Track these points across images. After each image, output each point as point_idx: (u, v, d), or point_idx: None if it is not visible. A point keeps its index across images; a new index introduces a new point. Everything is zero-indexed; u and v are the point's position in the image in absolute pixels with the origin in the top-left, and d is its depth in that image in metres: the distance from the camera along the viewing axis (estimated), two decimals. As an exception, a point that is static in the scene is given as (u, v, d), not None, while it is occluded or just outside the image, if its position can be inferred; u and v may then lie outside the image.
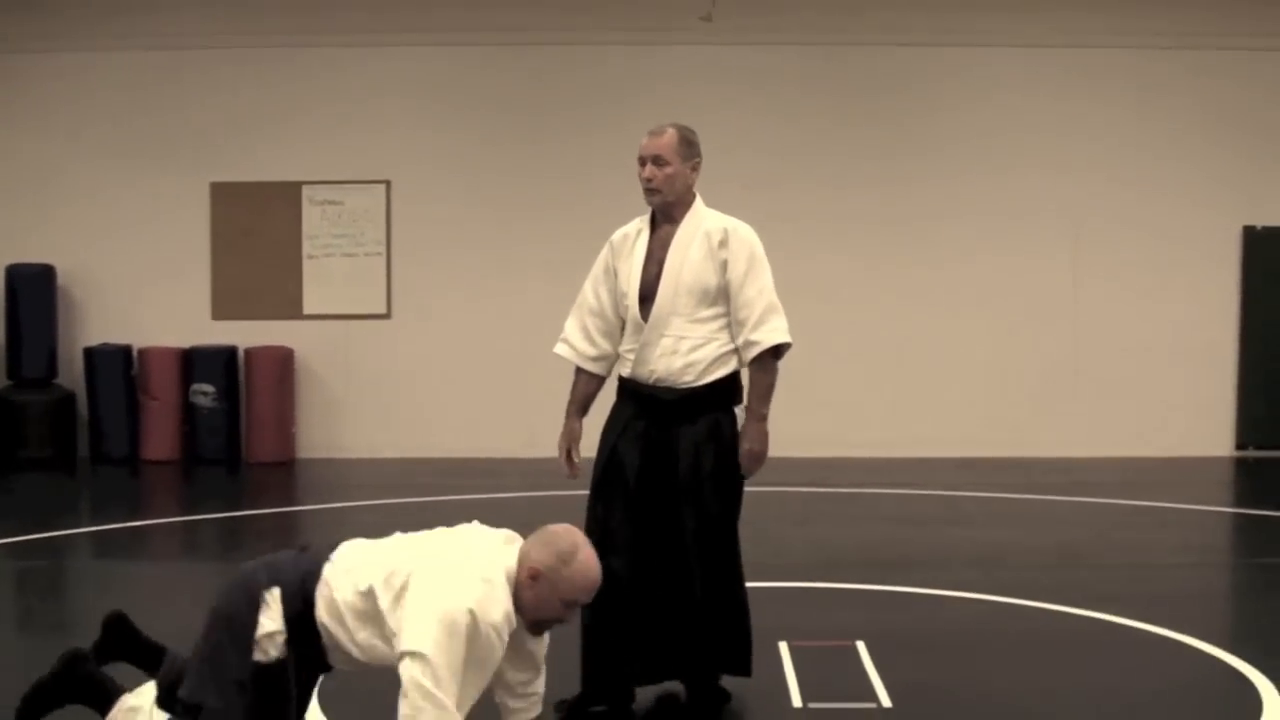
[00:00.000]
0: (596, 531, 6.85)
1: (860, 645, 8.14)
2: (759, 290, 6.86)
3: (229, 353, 16.11)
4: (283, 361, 16.13)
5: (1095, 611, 9.10)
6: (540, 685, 5.77)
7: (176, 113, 16.47)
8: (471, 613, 5.21)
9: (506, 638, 5.36)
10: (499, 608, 5.32)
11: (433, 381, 16.28)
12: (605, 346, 7.22)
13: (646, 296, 6.95)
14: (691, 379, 6.87)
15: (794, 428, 16.08)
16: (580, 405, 7.42)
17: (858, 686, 7.41)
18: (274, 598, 5.56)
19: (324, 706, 7.05)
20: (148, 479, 15.43)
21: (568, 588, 5.44)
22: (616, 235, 7.30)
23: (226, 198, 16.43)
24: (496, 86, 16.33)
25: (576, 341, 7.32)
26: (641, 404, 7.01)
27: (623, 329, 7.12)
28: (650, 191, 6.99)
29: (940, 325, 16.44)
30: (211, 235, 16.42)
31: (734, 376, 6.96)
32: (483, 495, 13.83)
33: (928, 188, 16.41)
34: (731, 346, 6.90)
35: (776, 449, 15.67)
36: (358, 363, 16.39)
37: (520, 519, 12.84)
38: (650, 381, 6.95)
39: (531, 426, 16.15)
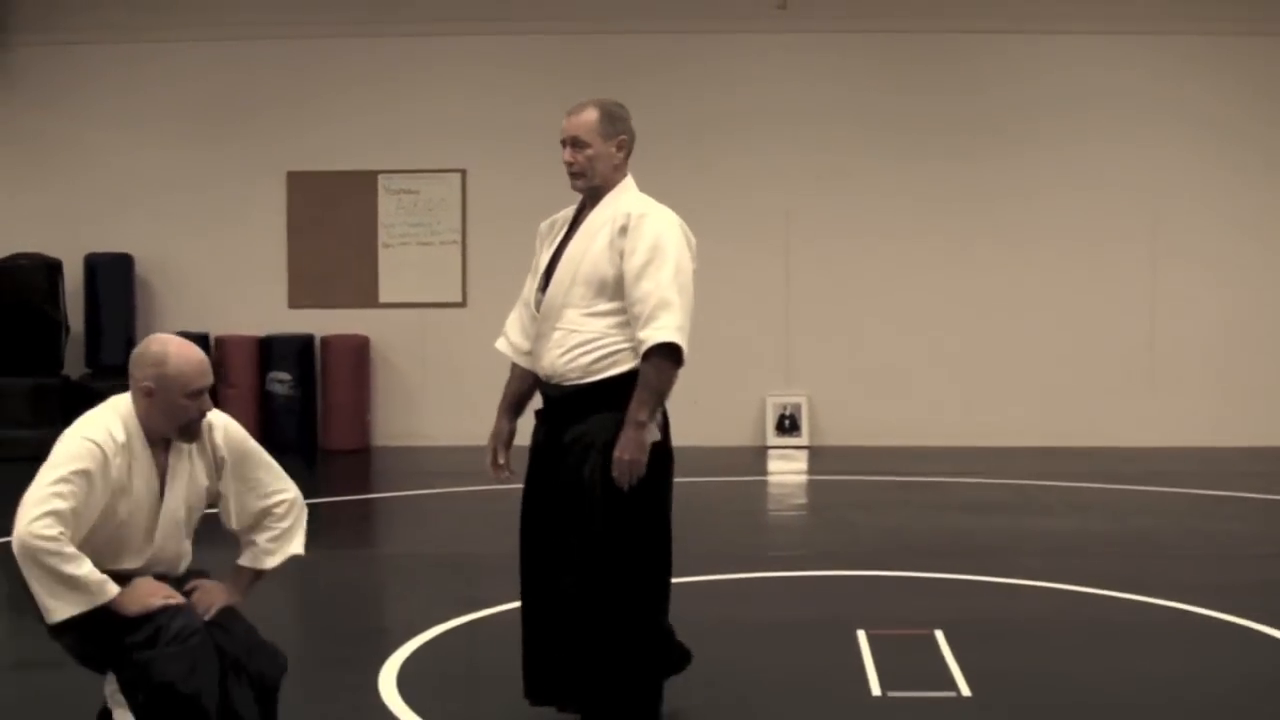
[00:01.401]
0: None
1: (939, 634, 8.09)
2: (655, 284, 6.06)
3: (305, 341, 16.18)
4: (358, 349, 16.19)
5: (1173, 601, 9.03)
6: (289, 518, 6.07)
7: (254, 102, 16.54)
8: (84, 439, 5.46)
9: (123, 458, 5.50)
10: (101, 428, 5.51)
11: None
12: (531, 343, 6.60)
13: (547, 286, 6.40)
14: (578, 376, 6.23)
15: (869, 417, 16.10)
16: (510, 403, 6.83)
17: (937, 675, 7.37)
18: None
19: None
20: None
21: (179, 384, 5.54)
22: (544, 223, 6.76)
23: (303, 187, 16.49)
24: (571, 75, 16.30)
25: (513, 335, 6.73)
26: (544, 404, 6.53)
27: None
28: (573, 176, 6.45)
29: (1016, 313, 16.35)
30: (288, 224, 16.49)
31: (630, 376, 6.16)
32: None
33: (1005, 176, 16.31)
34: (631, 344, 6.16)
35: (853, 438, 15.84)
36: (433, 351, 16.43)
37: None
38: (544, 378, 6.44)
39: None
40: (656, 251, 6.11)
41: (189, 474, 5.81)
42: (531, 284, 6.55)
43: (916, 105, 16.27)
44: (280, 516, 6.04)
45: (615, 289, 6.13)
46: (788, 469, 15.08)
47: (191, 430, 5.69)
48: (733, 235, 16.07)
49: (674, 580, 9.64)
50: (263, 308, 16.43)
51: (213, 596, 5.85)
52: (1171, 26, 16.23)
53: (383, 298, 16.41)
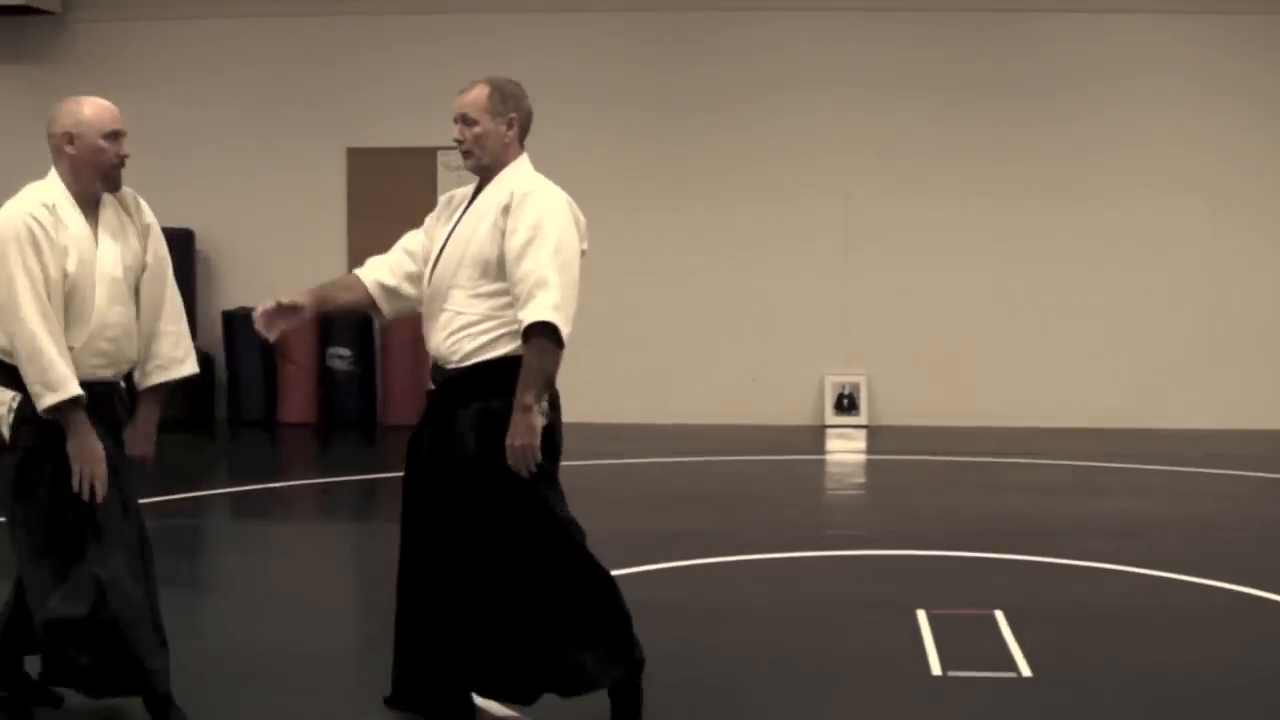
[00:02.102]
0: None
1: (999, 614, 8.06)
2: (535, 264, 5.88)
3: (365, 317, 16.19)
4: (417, 325, 16.13)
5: (1234, 585, 8.98)
6: (182, 347, 6.46)
7: (313, 79, 16.59)
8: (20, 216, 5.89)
9: (54, 218, 5.94)
10: (33, 198, 5.97)
11: (568, 347, 16.24)
12: (394, 282, 6.42)
13: (437, 267, 6.24)
14: (459, 360, 6.04)
15: (928, 396, 16.07)
16: (324, 292, 6.57)
17: (997, 655, 7.35)
18: None
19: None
20: (284, 441, 15.61)
21: (96, 126, 6.06)
22: (443, 197, 6.53)
23: (362, 163, 16.54)
24: (623, 51, 16.31)
25: (373, 263, 6.52)
26: (433, 387, 6.34)
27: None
28: (463, 154, 6.22)
29: (1076, 293, 16.26)
30: (347, 200, 16.55)
31: (511, 360, 5.96)
32: (614, 460, 13.86)
33: (1064, 157, 16.21)
34: (513, 327, 5.96)
35: (912, 418, 15.80)
36: (494, 329, 16.43)
37: (651, 484, 12.97)
38: (432, 360, 6.25)
39: (663, 392, 16.21)
40: (537, 230, 5.96)
41: (121, 233, 6.20)
42: (414, 240, 6.46)
43: (974, 85, 16.17)
44: (176, 342, 6.44)
45: (499, 270, 5.99)
46: (846, 448, 15.06)
47: (113, 177, 6.14)
48: (791, 215, 16.06)
49: (733, 559, 9.71)
50: (322, 283, 16.43)
51: (145, 450, 6.40)
52: (1231, 7, 16.10)
53: (442, 274, 16.42)
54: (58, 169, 6.12)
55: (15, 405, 6.15)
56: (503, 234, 5.98)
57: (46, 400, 5.87)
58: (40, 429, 6.06)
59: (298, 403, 16.22)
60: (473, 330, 6.02)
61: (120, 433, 6.38)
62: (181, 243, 16.24)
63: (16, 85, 16.56)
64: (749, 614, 8.48)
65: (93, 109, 6.13)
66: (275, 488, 13.05)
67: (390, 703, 6.38)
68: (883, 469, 14.08)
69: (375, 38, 16.47)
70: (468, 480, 6.00)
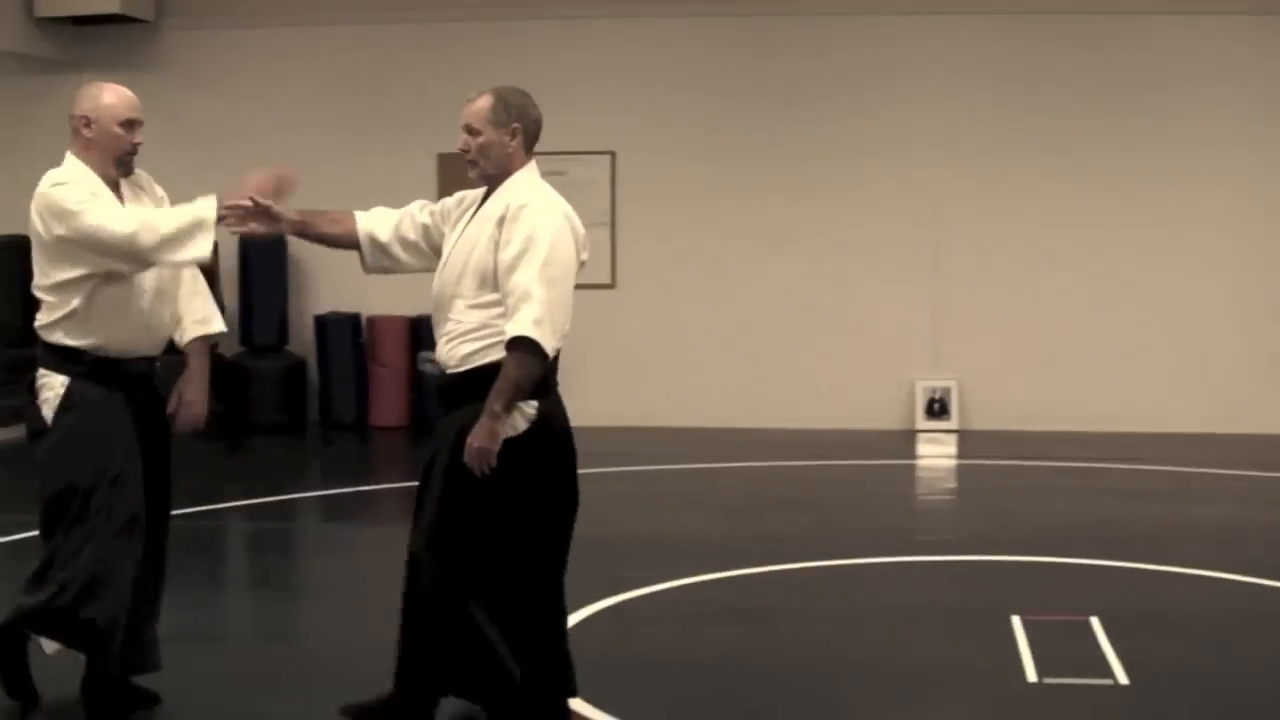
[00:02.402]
0: None
1: (1094, 621, 7.98)
2: (524, 277, 5.89)
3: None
4: (506, 331, 16.21)
5: (1337, 592, 8.89)
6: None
7: (405, 85, 16.64)
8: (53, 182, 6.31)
9: (97, 191, 6.32)
10: (63, 176, 6.35)
11: (657, 351, 16.29)
12: (386, 239, 6.59)
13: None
14: (455, 365, 6.14)
15: (1020, 401, 15.93)
16: (311, 215, 6.76)
17: (1093, 662, 7.27)
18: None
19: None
20: (376, 444, 15.66)
21: (113, 112, 6.41)
22: (455, 196, 6.57)
23: (453, 169, 16.45)
24: (721, 60, 16.27)
25: (376, 215, 6.69)
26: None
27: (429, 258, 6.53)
28: (469, 164, 6.28)
29: (1173, 296, 16.05)
30: (438, 205, 16.57)
31: (498, 366, 5.96)
32: (706, 464, 13.84)
33: (1162, 161, 15.98)
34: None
35: (1004, 422, 15.66)
36: (582, 332, 16.22)
37: (742, 489, 12.94)
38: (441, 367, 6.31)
39: (753, 397, 16.16)
40: (529, 243, 5.96)
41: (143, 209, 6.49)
42: (424, 213, 6.59)
43: (1069, 88, 16.00)
44: (205, 302, 6.80)
45: (496, 281, 6.03)
46: (937, 453, 14.96)
47: (126, 163, 6.47)
48: (881, 217, 15.98)
49: (825, 564, 9.67)
50: (414, 288, 16.38)
51: (200, 403, 6.75)
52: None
53: (533, 279, 16.42)
54: (73, 150, 6.46)
55: (63, 390, 6.41)
56: (497, 245, 6.02)
57: (207, 232, 6.30)
58: (82, 416, 6.35)
59: (389, 406, 16.27)
60: (468, 337, 6.10)
61: (161, 409, 6.66)
62: (274, 248, 16.34)
63: (111, 92, 16.70)
64: (841, 620, 8.44)
65: (112, 95, 6.46)
66: (367, 491, 13.09)
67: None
68: (974, 474, 13.97)
69: (465, 43, 16.48)
70: (438, 485, 6.09)
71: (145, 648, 6.52)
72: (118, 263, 6.28)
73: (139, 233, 6.17)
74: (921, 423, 15.98)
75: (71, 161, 6.45)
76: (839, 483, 13.22)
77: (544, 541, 6.22)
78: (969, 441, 15.34)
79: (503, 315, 5.96)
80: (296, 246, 16.50)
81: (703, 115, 16.25)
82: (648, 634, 8.19)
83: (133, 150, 6.48)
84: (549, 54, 16.35)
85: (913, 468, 14.35)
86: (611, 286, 16.36)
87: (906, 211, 15.98)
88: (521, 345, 5.87)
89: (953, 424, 15.92)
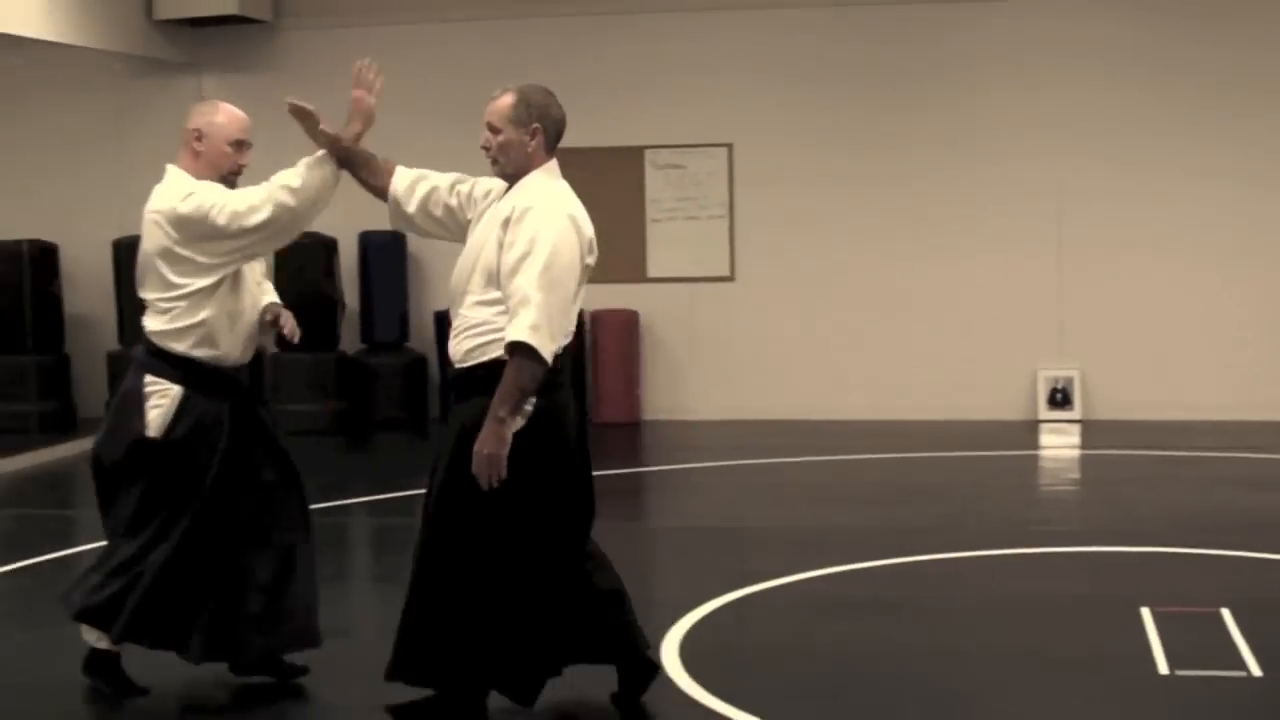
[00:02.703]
0: None
1: (1225, 612, 7.89)
2: (524, 281, 5.91)
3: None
4: (628, 324, 16.26)
5: None
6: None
7: (519, 80, 16.56)
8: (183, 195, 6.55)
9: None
10: (186, 186, 6.58)
11: (776, 343, 16.25)
12: (412, 209, 6.67)
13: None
14: (459, 360, 6.23)
15: (1144, 390, 15.77)
16: (364, 156, 6.93)
17: (1226, 654, 7.19)
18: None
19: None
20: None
21: (222, 132, 6.72)
22: (485, 184, 6.60)
23: (571, 163, 16.38)
24: (836, 47, 16.19)
25: (416, 179, 6.77)
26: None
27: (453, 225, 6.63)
28: (491, 162, 6.37)
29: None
30: (557, 200, 16.61)
31: (499, 364, 5.99)
32: (824, 456, 13.80)
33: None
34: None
35: (1128, 412, 15.49)
36: (701, 325, 16.44)
37: (865, 480, 12.91)
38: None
39: (874, 388, 16.10)
40: (531, 246, 5.98)
41: None
42: (464, 184, 6.66)
43: (1195, 72, 15.80)
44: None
45: (500, 280, 6.09)
46: (1060, 443, 14.83)
47: (230, 181, 6.73)
48: (1003, 206, 15.85)
49: (951, 555, 9.63)
50: (533, 284, 16.54)
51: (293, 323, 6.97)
52: None
53: (651, 272, 16.45)
54: (181, 162, 6.72)
55: (179, 400, 6.59)
56: (502, 246, 6.07)
57: (323, 162, 6.83)
58: (194, 428, 6.58)
59: (509, 402, 16.32)
60: (471, 332, 6.18)
61: (261, 414, 6.90)
62: (393, 245, 16.45)
63: (231, 93, 16.74)
64: (969, 612, 8.40)
65: (225, 115, 6.80)
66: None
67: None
68: (1098, 464, 13.85)
69: (583, 39, 16.52)
70: (441, 479, 6.16)
71: (241, 644, 6.78)
72: (275, 239, 6.63)
73: (280, 199, 6.55)
74: (1044, 413, 15.85)
75: (177, 173, 6.69)
76: (963, 474, 13.14)
77: (542, 537, 6.15)
78: (1092, 431, 15.19)
79: (505, 314, 6.01)
80: (416, 244, 16.60)
81: (819, 104, 16.19)
82: (775, 626, 8.19)
83: (237, 170, 6.78)
84: (663, 47, 16.35)
85: (1036, 458, 14.24)
86: (730, 279, 16.33)
87: (1029, 198, 15.85)
88: (520, 351, 5.89)
89: (1075, 414, 15.77)
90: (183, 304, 6.55)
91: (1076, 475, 13.64)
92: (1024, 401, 15.99)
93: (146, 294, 6.65)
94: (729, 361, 16.28)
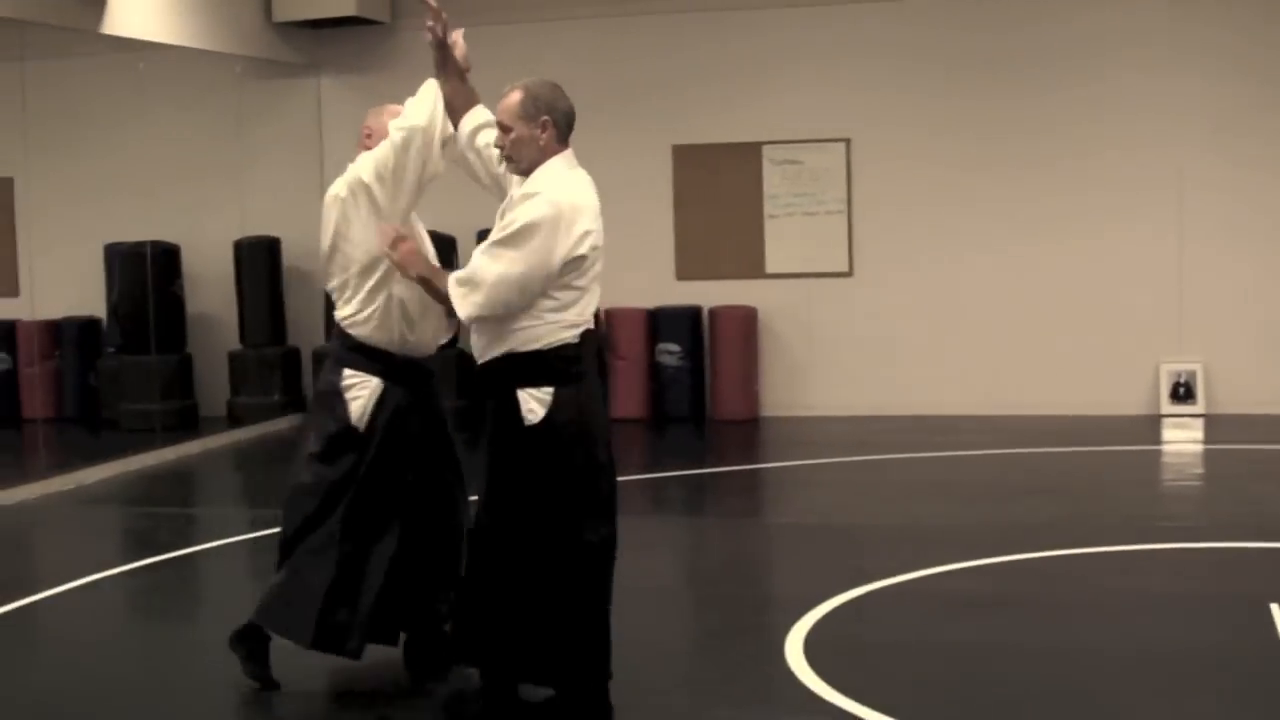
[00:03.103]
0: None
1: (1357, 609, 7.80)
2: (485, 246, 6.19)
3: (694, 312, 16.31)
4: (746, 320, 16.24)
5: None
6: None
7: (639, 77, 16.71)
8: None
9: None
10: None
11: (894, 339, 16.18)
12: (470, 155, 6.87)
13: None
14: (478, 355, 6.37)
15: (1270, 384, 15.56)
16: (467, 90, 7.16)
17: (1358, 652, 7.11)
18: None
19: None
20: (616, 436, 15.66)
21: (385, 132, 7.00)
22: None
23: (688, 160, 16.61)
24: (956, 40, 16.09)
25: (481, 124, 6.91)
26: None
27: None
28: (505, 159, 6.45)
29: None
30: (674, 197, 16.62)
31: (519, 358, 6.23)
32: (943, 453, 13.72)
33: None
34: (531, 324, 6.20)
35: (1253, 406, 15.29)
36: (820, 321, 16.40)
37: (986, 476, 12.82)
38: None
39: (993, 383, 15.99)
40: (520, 229, 6.14)
41: None
42: (499, 168, 6.70)
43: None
44: None
45: None
46: (1184, 438, 14.67)
47: None
48: (1123, 196, 15.69)
49: (1074, 552, 9.57)
50: (651, 280, 16.60)
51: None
52: None
53: (769, 268, 16.42)
54: (365, 155, 7.02)
55: (380, 392, 6.84)
56: None
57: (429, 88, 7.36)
58: (393, 419, 6.79)
59: (629, 398, 16.35)
60: (482, 330, 6.30)
61: (440, 407, 7.15)
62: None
63: (350, 93, 16.99)
64: (1092, 608, 8.33)
65: (390, 115, 7.16)
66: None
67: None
68: (1223, 459, 13.68)
69: (699, 35, 16.51)
70: (485, 474, 6.40)
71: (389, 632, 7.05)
72: (424, 152, 6.91)
73: (413, 119, 7.01)
74: (1166, 407, 15.68)
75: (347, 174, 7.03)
76: (1084, 469, 13.03)
77: (562, 527, 6.28)
78: (1216, 426, 15.02)
79: (509, 313, 6.19)
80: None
81: (937, 96, 16.09)
82: (893, 623, 8.15)
83: None
84: (781, 42, 16.31)
85: (1159, 453, 14.09)
86: (849, 274, 16.27)
87: (1150, 189, 15.68)
88: (451, 289, 6.22)
89: (1199, 408, 15.60)
90: (367, 283, 6.79)
91: (1200, 470, 13.48)
92: (1146, 396, 15.82)
93: (333, 281, 6.92)
94: (847, 357, 16.23)
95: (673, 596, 9.21)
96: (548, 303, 6.19)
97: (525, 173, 6.38)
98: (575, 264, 6.21)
